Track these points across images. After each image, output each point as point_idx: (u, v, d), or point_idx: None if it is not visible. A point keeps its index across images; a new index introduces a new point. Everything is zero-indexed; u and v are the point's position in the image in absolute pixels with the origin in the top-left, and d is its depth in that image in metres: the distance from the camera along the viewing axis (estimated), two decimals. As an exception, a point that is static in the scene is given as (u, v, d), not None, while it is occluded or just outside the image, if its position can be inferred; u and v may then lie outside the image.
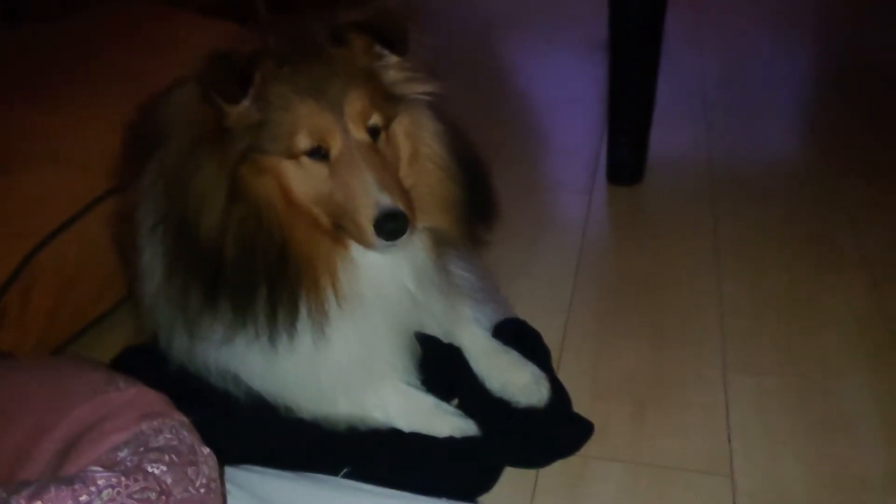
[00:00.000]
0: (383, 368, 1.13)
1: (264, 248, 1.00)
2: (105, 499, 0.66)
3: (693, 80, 2.46)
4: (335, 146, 1.00)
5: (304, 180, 1.01)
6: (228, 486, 0.95)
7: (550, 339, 1.34)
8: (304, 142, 0.99)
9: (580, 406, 1.21)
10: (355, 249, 1.05)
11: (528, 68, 2.68)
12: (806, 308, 1.43)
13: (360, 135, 1.01)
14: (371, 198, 0.97)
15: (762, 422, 1.18)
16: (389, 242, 0.98)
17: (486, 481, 1.08)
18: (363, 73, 1.03)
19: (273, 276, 1.01)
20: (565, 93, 2.48)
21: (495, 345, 1.25)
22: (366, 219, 0.97)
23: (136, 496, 0.68)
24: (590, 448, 1.14)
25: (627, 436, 1.17)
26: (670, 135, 2.06)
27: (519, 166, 2.03)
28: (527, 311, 1.39)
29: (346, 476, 1.04)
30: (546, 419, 1.16)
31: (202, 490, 0.74)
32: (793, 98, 2.38)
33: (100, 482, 0.67)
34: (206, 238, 0.99)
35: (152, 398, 0.88)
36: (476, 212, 1.19)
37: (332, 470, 1.04)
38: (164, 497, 0.69)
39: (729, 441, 1.14)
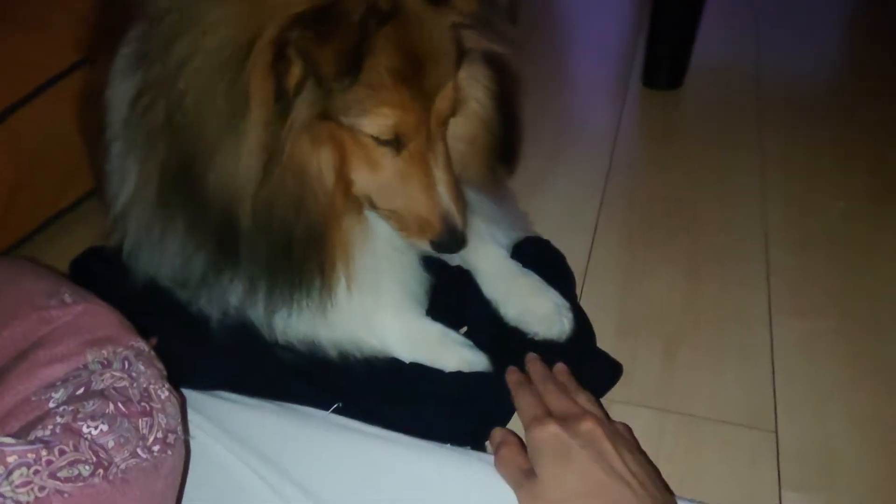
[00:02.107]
0: (386, 300, 0.98)
1: (292, 229, 0.84)
2: (16, 482, 0.50)
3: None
4: (413, 144, 0.84)
5: (361, 161, 0.85)
6: (196, 417, 0.80)
7: (573, 262, 1.18)
8: (382, 131, 0.82)
9: (604, 341, 1.06)
10: (373, 219, 0.93)
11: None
12: (861, 242, 1.26)
13: (439, 134, 0.86)
14: (438, 211, 0.87)
15: (810, 371, 1.03)
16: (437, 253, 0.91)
17: (495, 424, 0.93)
18: (455, 45, 0.86)
19: (292, 256, 0.86)
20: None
21: (513, 266, 1.09)
22: (426, 230, 0.88)
23: (60, 474, 0.51)
24: (614, 391, 1.01)
25: (656, 379, 1.02)
26: (715, 39, 1.83)
27: (542, 64, 1.80)
28: (547, 230, 1.22)
29: (337, 412, 0.90)
30: (566, 355, 1.01)
31: (156, 448, 0.58)
32: (851, 9, 2.14)
33: (9, 459, 0.51)
34: (215, 198, 0.81)
35: (104, 318, 0.72)
36: (503, 158, 1.07)
37: (319, 403, 0.89)
38: (100, 470, 0.53)
39: (774, 392, 1.01)
